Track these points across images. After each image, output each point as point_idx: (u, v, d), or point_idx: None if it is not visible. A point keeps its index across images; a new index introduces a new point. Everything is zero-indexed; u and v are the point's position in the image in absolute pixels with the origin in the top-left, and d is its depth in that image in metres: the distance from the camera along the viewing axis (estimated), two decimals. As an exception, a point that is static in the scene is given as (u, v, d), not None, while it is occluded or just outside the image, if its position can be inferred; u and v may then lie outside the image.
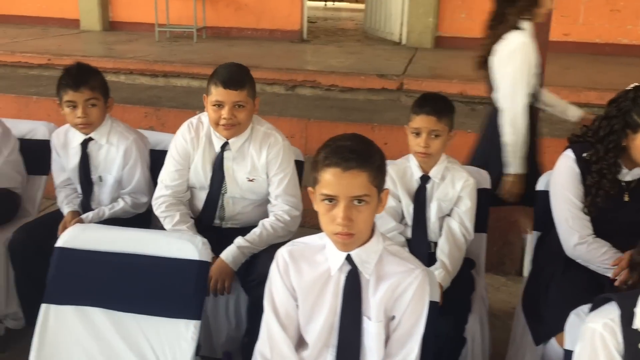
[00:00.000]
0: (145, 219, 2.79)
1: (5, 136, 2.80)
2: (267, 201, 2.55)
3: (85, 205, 2.77)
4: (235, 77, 2.37)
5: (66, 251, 1.96)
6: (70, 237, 1.98)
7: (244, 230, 2.48)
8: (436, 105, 2.36)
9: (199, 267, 1.89)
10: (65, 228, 2.59)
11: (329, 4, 14.45)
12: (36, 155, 3.03)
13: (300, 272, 1.66)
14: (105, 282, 1.93)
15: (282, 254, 1.70)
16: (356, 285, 1.62)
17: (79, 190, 2.81)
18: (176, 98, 5.11)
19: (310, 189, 1.60)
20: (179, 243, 1.92)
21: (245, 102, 2.39)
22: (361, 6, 12.95)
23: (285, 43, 7.04)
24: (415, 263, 1.65)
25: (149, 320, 1.88)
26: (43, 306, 1.92)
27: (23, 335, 2.81)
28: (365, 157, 1.52)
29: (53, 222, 2.65)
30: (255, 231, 2.43)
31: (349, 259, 1.61)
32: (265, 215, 2.55)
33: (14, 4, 7.98)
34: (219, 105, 2.37)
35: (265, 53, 6.26)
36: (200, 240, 1.92)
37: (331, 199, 1.51)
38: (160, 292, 1.90)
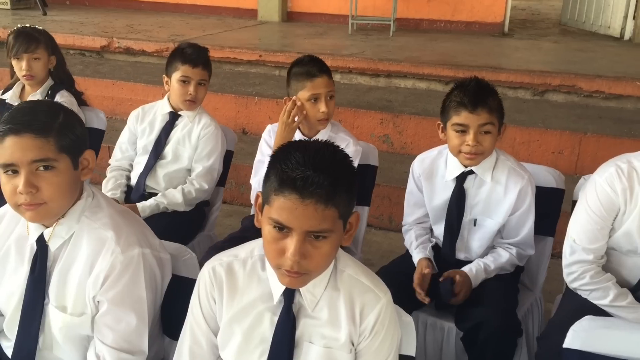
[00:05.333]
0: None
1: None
2: None
3: (449, 252, 2.25)
4: None
5: (578, 355, 1.43)
6: (586, 337, 1.44)
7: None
8: None
9: None
10: (421, 280, 2.12)
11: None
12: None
13: None
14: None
15: None
16: None
17: (436, 231, 2.30)
18: (408, 102, 4.57)
19: None
20: None
21: None
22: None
23: (486, 37, 6.35)
24: None
25: None
26: None
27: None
28: None
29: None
30: None
31: None
32: None
33: (187, -7, 7.75)
34: None
35: (483, 50, 5.61)
36: None
37: None
38: None
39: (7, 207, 1.63)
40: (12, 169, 1.43)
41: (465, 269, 2.14)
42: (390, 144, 4.30)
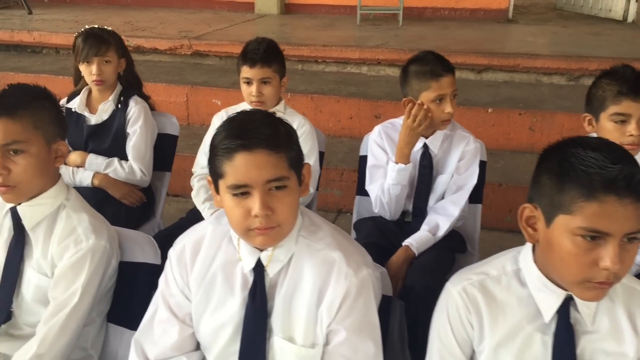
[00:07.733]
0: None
1: None
2: None
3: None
4: None
5: None
6: None
7: None
8: None
9: None
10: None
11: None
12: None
13: None
14: None
15: None
16: None
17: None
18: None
19: None
20: None
21: None
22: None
23: (493, 24, 6.35)
24: None
25: None
26: None
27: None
28: None
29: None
30: None
31: None
32: None
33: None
34: None
35: (502, 36, 5.60)
36: None
37: None
38: None
39: (200, 230, 1.47)
40: (244, 190, 1.27)
41: None
42: (436, 136, 4.21)
